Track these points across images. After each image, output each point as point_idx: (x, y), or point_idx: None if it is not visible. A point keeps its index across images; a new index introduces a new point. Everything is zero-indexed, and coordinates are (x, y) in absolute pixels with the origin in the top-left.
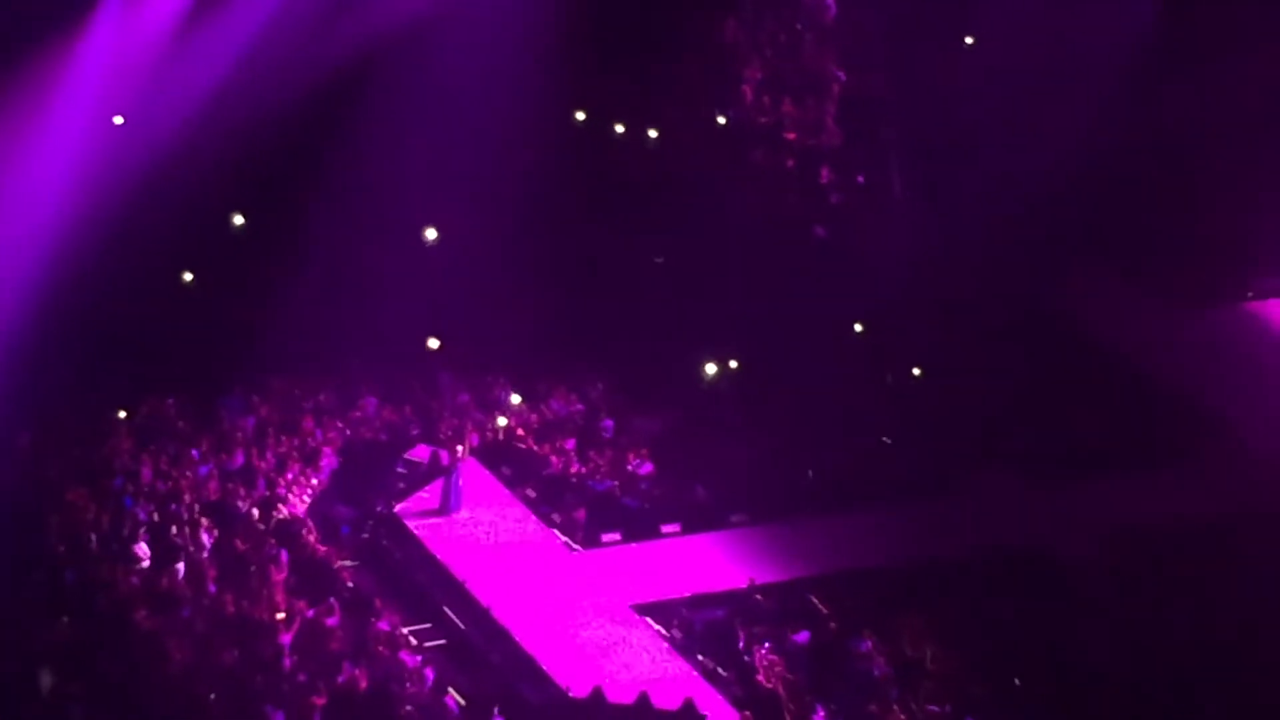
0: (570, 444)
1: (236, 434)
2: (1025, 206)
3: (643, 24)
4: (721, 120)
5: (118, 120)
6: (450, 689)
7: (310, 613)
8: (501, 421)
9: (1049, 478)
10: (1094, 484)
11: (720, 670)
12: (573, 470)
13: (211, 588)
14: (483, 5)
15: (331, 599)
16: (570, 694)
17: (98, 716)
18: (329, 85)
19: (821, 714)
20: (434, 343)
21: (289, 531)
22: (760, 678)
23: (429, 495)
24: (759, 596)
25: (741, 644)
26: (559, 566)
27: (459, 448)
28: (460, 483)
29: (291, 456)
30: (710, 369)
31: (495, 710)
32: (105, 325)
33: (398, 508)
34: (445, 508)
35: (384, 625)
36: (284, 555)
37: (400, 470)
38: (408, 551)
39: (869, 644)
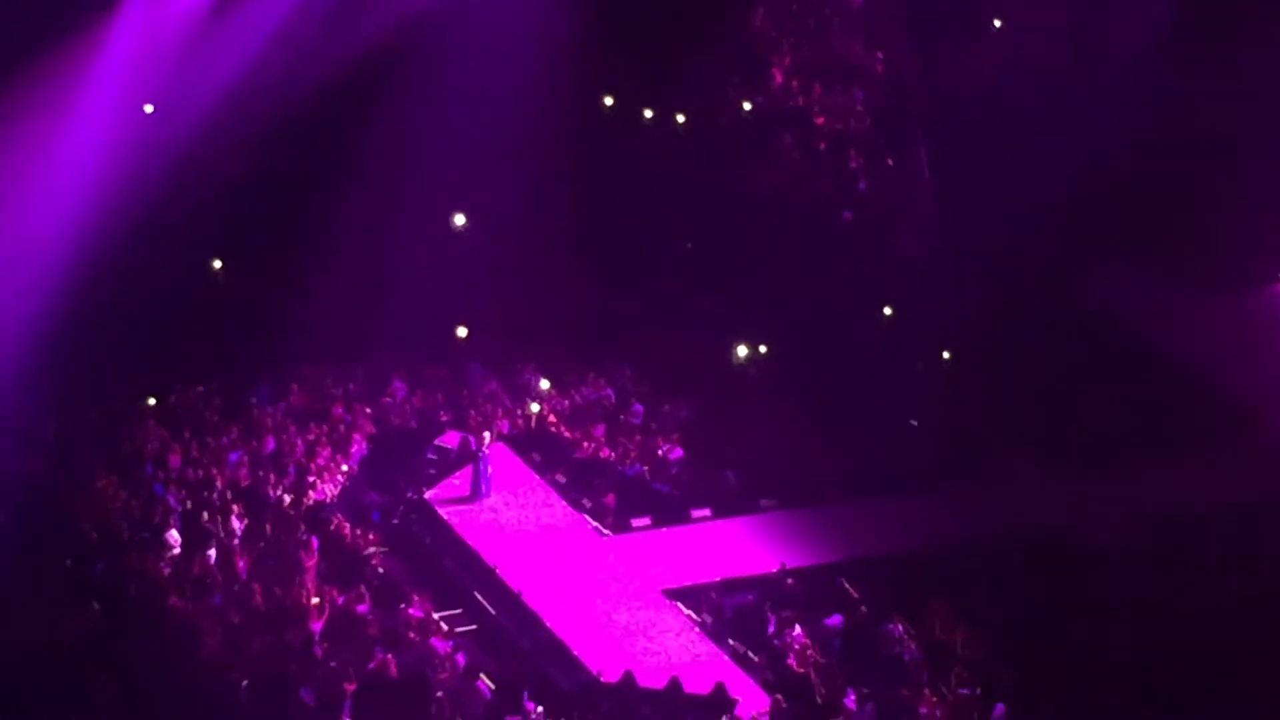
0: (600, 430)
1: (267, 421)
2: (1053, 192)
3: (671, 9)
4: (747, 106)
5: (148, 109)
6: (481, 674)
7: (340, 600)
8: (534, 408)
9: (1078, 464)
10: (1122, 470)
11: (751, 654)
12: (603, 455)
13: (243, 574)
14: None
15: (361, 587)
16: (601, 678)
17: (128, 703)
18: (358, 73)
19: (853, 698)
20: (463, 331)
21: (320, 518)
22: (791, 661)
23: (459, 481)
24: (790, 580)
25: (772, 628)
26: (589, 551)
27: (486, 434)
28: (490, 468)
29: (322, 443)
30: (740, 353)
31: (526, 695)
32: (134, 313)
33: (428, 494)
34: (475, 493)
35: (415, 611)
36: (314, 541)
37: (431, 456)
38: (438, 537)
39: (900, 628)
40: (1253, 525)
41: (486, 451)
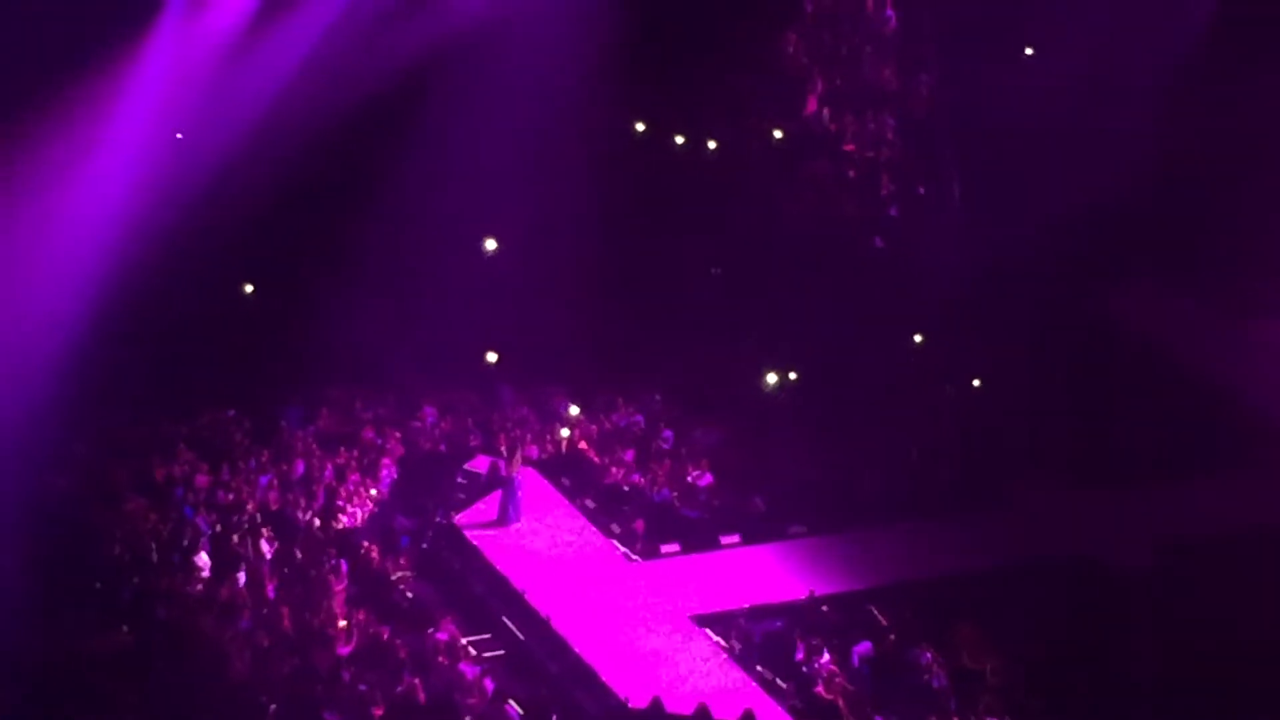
0: (629, 455)
1: (296, 444)
2: (1084, 216)
3: (703, 35)
4: (778, 134)
5: (179, 136)
6: (509, 699)
7: (368, 624)
8: (564, 433)
9: (1108, 486)
10: (1149, 493)
11: (779, 681)
12: (632, 480)
13: (271, 597)
14: (540, 17)
15: (388, 612)
16: (629, 704)
17: None
18: (386, 96)
19: None
20: (493, 356)
21: (349, 542)
22: (820, 689)
23: (488, 506)
24: (824, 608)
25: (800, 655)
26: (618, 577)
27: (514, 458)
28: (519, 493)
29: (351, 467)
30: (770, 380)
31: None
32: (166, 335)
33: (457, 518)
34: (504, 518)
35: (443, 635)
36: (344, 566)
37: (460, 481)
38: (467, 562)
39: (929, 655)
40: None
41: (516, 476)
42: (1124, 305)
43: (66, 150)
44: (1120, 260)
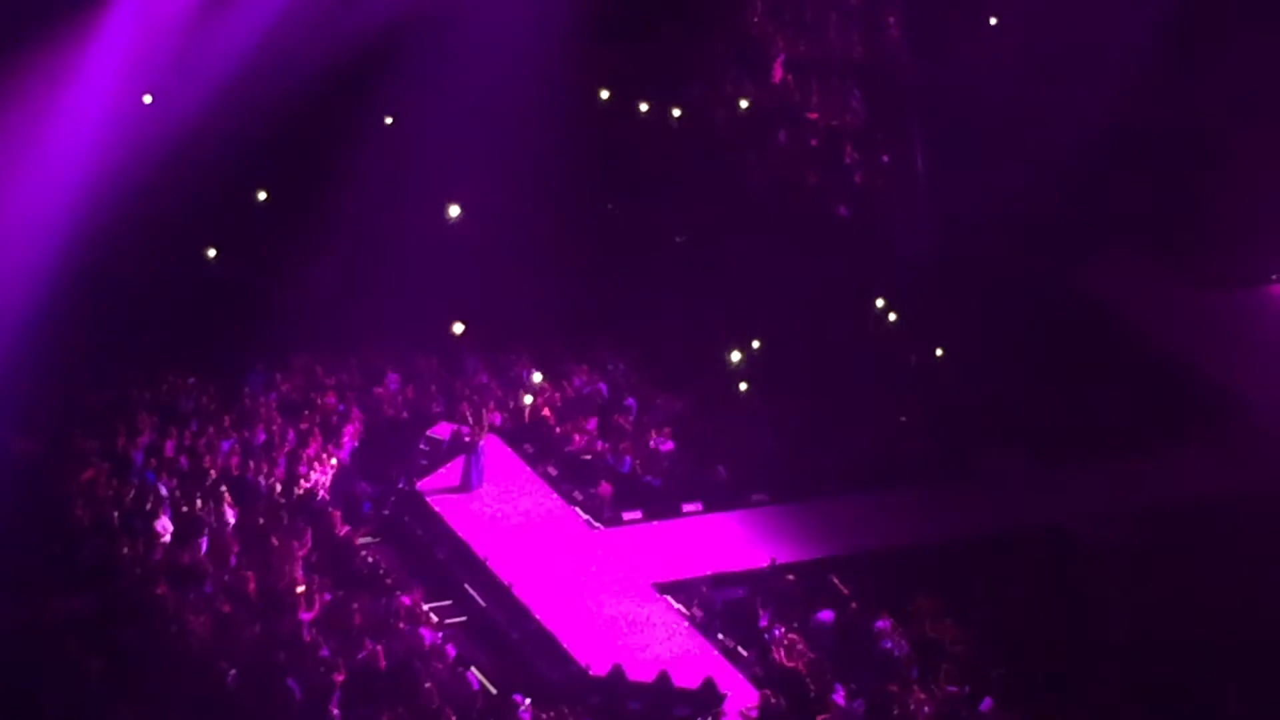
0: (592, 423)
1: (259, 410)
2: (1050, 187)
3: (668, 2)
4: (744, 104)
5: (146, 99)
6: (471, 666)
7: (329, 591)
8: (527, 399)
9: (1070, 458)
10: (1116, 464)
11: (741, 649)
12: (596, 448)
13: (233, 563)
14: None
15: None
16: (590, 671)
17: (117, 688)
18: (352, 64)
19: (841, 693)
20: (459, 327)
21: (311, 508)
22: (781, 657)
23: (450, 472)
24: (790, 576)
25: (762, 623)
26: (580, 544)
27: (479, 425)
28: (483, 460)
29: (314, 433)
30: (734, 357)
31: (515, 688)
32: (128, 301)
33: (419, 484)
34: (466, 484)
35: (405, 601)
36: (307, 532)
37: (422, 447)
38: (429, 528)
39: (890, 624)
40: (1244, 518)
41: (481, 443)
42: (1091, 275)
43: (26, 121)
44: (1088, 231)
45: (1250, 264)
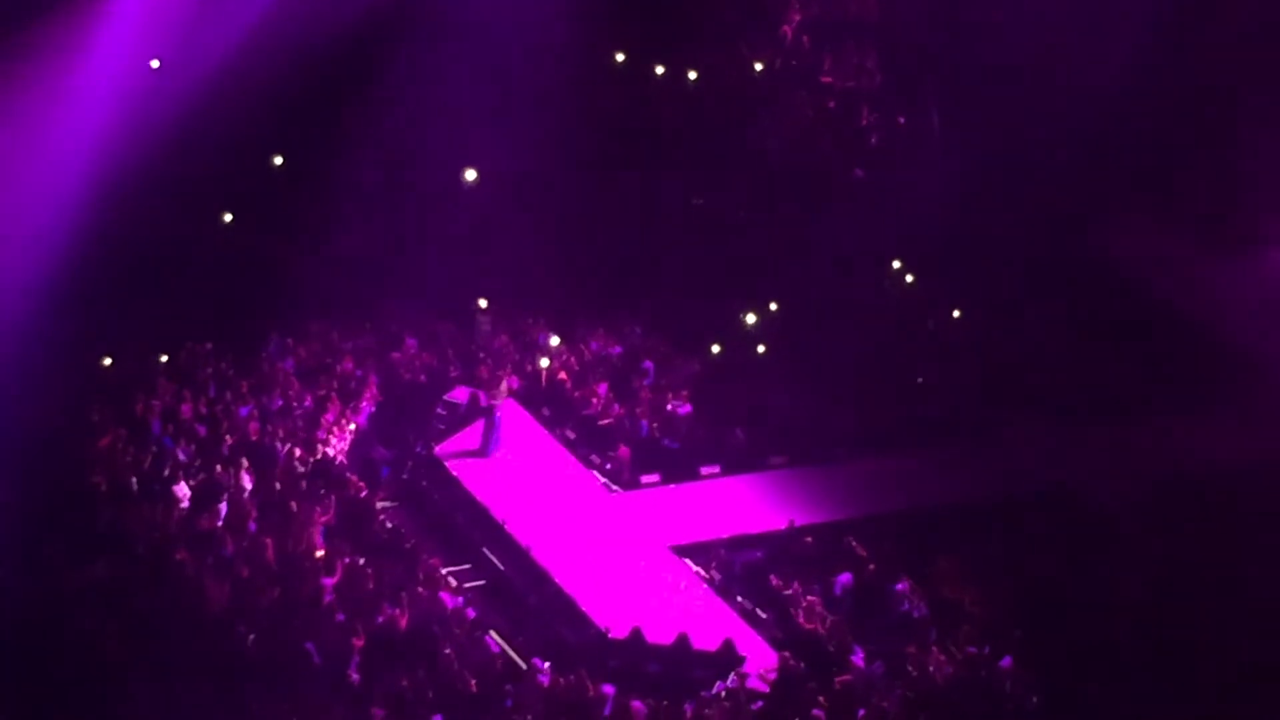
0: (603, 388)
1: (276, 376)
2: (1066, 149)
3: None
4: (759, 66)
5: (154, 64)
6: (490, 630)
7: (348, 556)
8: (543, 363)
9: (1088, 421)
10: (1133, 428)
11: (759, 611)
12: (613, 412)
13: (252, 528)
14: None
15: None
16: (609, 634)
17: (136, 654)
18: (368, 28)
19: (860, 655)
20: (483, 302)
21: (329, 473)
22: (799, 619)
23: (468, 437)
24: (808, 539)
25: (780, 585)
26: (598, 508)
27: (498, 389)
28: (500, 424)
29: (331, 399)
30: (749, 316)
31: (534, 652)
32: (145, 267)
33: (437, 449)
34: (485, 449)
35: (423, 566)
36: (331, 498)
37: (440, 412)
38: (447, 493)
39: (908, 586)
40: (1265, 482)
41: (498, 407)
42: (1108, 239)
43: (41, 88)
44: (1104, 194)
45: (1268, 227)
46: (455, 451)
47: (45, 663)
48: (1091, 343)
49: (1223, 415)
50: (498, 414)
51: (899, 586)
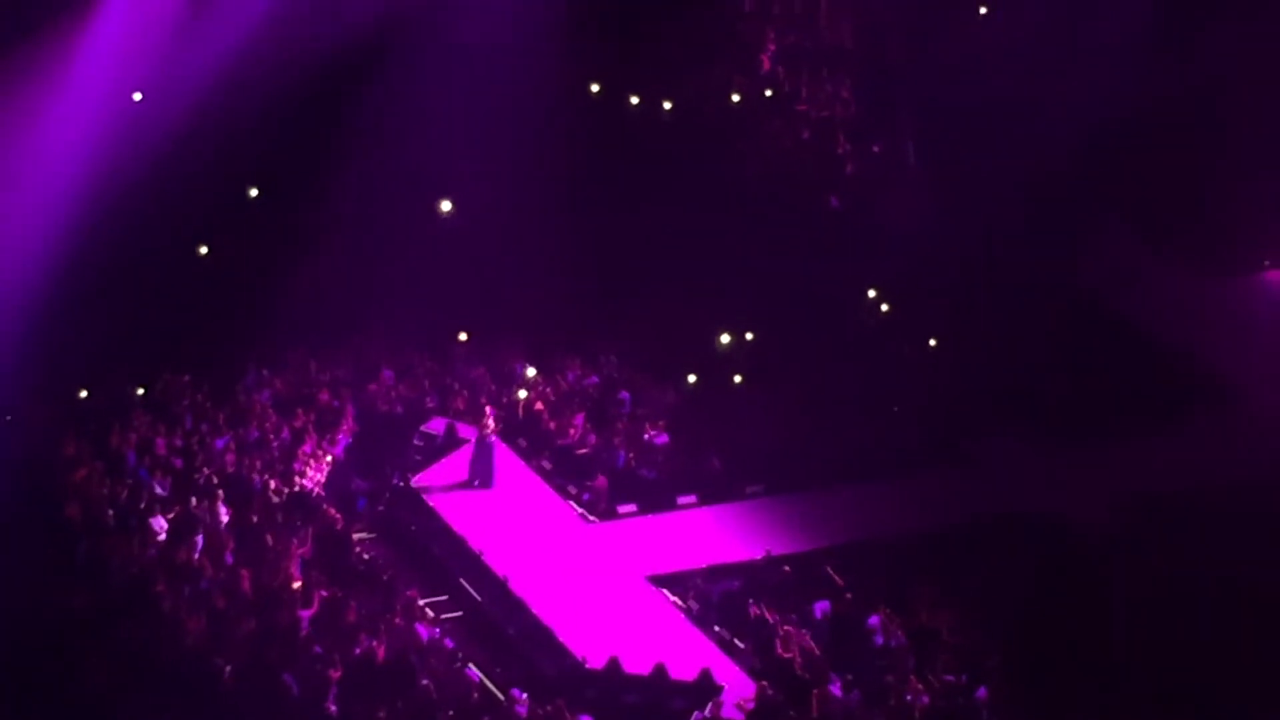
0: (579, 418)
1: (254, 407)
2: (1041, 175)
3: None
4: (736, 98)
5: (136, 97)
6: (468, 660)
7: (326, 587)
8: (521, 394)
9: (1065, 446)
10: (1112, 452)
11: (737, 641)
12: (590, 442)
13: (229, 560)
14: None
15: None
16: (586, 665)
17: (116, 685)
18: (342, 61)
19: (838, 684)
20: (463, 336)
21: (306, 504)
22: (777, 648)
23: (445, 468)
24: (786, 568)
25: (758, 614)
26: (575, 538)
27: (487, 423)
28: (494, 460)
29: (308, 430)
30: (725, 339)
31: (512, 682)
32: (121, 299)
33: (414, 480)
34: (476, 483)
35: (403, 597)
36: (309, 530)
37: (417, 443)
38: (424, 524)
39: (886, 614)
40: (1243, 504)
41: (492, 441)
42: (1085, 264)
43: (17, 118)
44: (1081, 219)
45: (1244, 252)
46: (432, 483)
47: (22, 696)
48: (1066, 366)
49: (1199, 437)
50: (493, 448)
51: (871, 621)
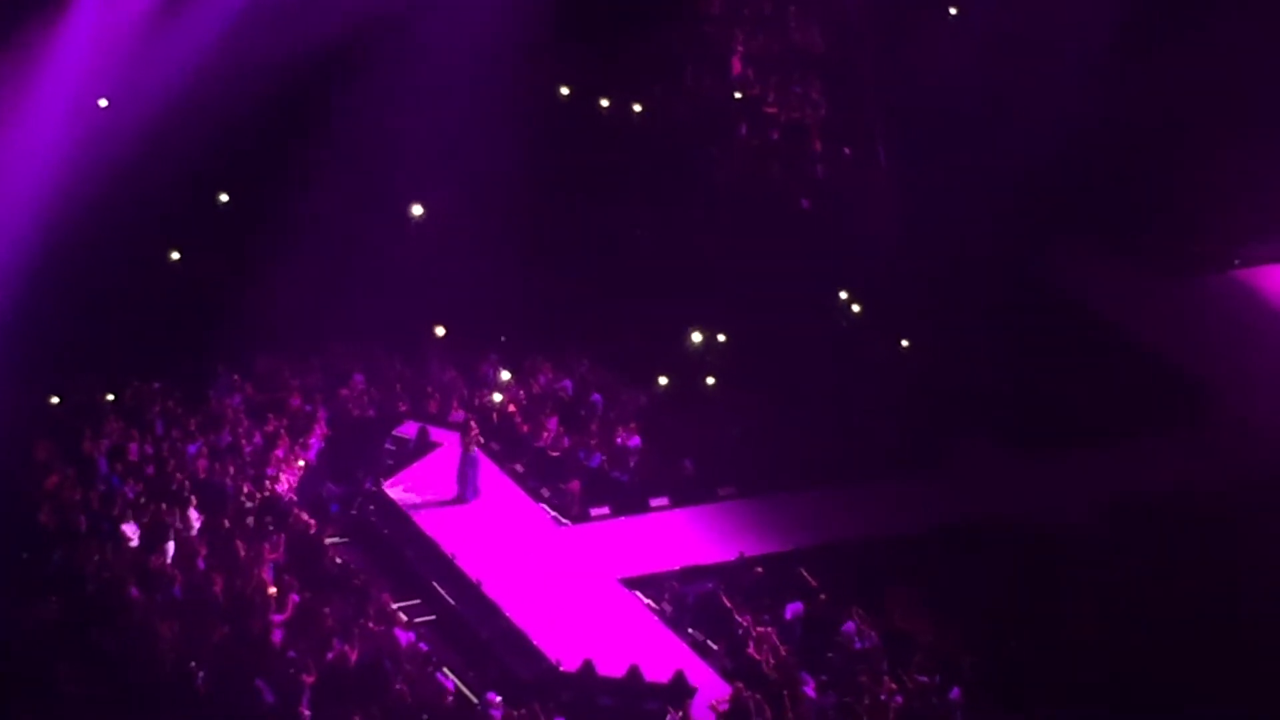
0: (553, 421)
1: (225, 413)
2: (1011, 177)
3: None
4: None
5: (102, 103)
6: (441, 664)
7: (298, 592)
8: (496, 398)
9: (1038, 448)
10: (1083, 454)
11: (710, 643)
12: (562, 445)
13: (201, 566)
14: None
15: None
16: (560, 667)
17: (91, 692)
18: (312, 67)
19: (812, 685)
20: (440, 330)
21: (278, 509)
22: (751, 650)
23: (418, 473)
24: (759, 570)
25: (731, 616)
26: (548, 541)
27: (470, 433)
28: (478, 469)
29: (280, 435)
30: (696, 338)
31: (486, 686)
32: (92, 305)
33: (386, 485)
34: (463, 496)
35: (374, 602)
36: (280, 535)
37: (388, 447)
38: (396, 528)
39: (860, 616)
40: (1216, 506)
41: (477, 451)
42: (1056, 265)
43: None
44: (1054, 220)
45: (1213, 250)
46: (405, 487)
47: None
48: (1042, 369)
49: (1175, 440)
50: (477, 458)
51: (846, 627)
